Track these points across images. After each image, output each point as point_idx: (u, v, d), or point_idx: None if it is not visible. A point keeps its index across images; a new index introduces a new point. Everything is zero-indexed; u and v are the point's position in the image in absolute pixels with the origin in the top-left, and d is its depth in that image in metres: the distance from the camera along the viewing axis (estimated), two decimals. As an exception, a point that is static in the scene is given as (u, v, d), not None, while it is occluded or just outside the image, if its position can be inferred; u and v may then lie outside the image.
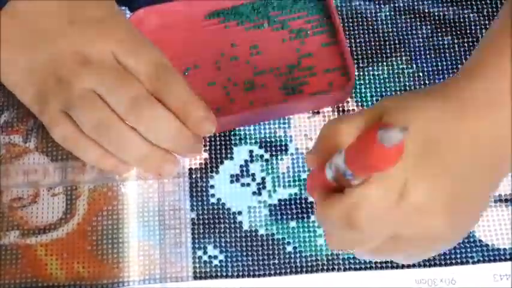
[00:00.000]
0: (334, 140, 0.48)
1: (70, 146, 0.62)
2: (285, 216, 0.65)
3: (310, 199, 0.65)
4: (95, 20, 0.62)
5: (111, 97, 0.60)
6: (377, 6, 0.72)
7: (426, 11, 0.71)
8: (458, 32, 0.70)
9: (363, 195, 0.46)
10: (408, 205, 0.47)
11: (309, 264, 0.64)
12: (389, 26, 0.71)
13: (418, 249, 0.51)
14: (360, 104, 0.68)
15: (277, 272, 0.63)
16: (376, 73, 0.69)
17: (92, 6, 0.63)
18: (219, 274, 0.63)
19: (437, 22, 0.71)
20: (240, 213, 0.65)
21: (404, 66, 0.69)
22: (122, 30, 0.63)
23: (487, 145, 0.49)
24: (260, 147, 0.67)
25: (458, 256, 0.63)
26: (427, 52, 0.70)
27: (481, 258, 0.63)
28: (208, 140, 0.67)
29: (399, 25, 0.71)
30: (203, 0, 0.71)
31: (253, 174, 0.66)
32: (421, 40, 0.70)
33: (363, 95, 0.68)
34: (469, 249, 0.64)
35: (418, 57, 0.70)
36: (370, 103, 0.68)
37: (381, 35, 0.71)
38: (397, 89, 0.68)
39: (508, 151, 0.49)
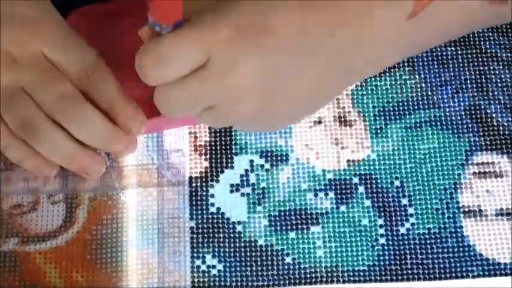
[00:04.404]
0: None
1: None
2: (284, 227, 0.65)
3: (310, 210, 0.65)
4: (26, 18, 0.62)
5: (37, 95, 0.60)
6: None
7: (430, 21, 0.71)
8: (462, 43, 0.70)
9: (152, 43, 0.49)
10: (216, 75, 0.49)
11: (308, 276, 0.63)
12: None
13: (236, 123, 0.54)
14: (361, 114, 0.68)
15: (276, 283, 0.63)
16: (378, 83, 0.69)
17: (23, 4, 0.63)
18: (217, 284, 0.63)
19: (441, 32, 0.71)
20: (239, 223, 0.65)
21: (407, 77, 0.69)
22: (54, 29, 0.63)
23: (326, 47, 0.50)
24: (261, 156, 0.67)
25: (458, 270, 0.63)
26: (430, 63, 0.69)
27: (481, 273, 0.63)
28: (208, 148, 0.67)
29: (403, 35, 0.71)
30: (137, 2, 0.71)
31: (253, 184, 0.66)
32: (424, 50, 0.70)
33: (365, 105, 0.68)
34: (469, 263, 0.63)
35: (421, 67, 0.69)
36: (371, 113, 0.68)
37: (384, 44, 0.70)
38: (399, 99, 0.68)
39: (357, 49, 0.51)
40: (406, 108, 0.68)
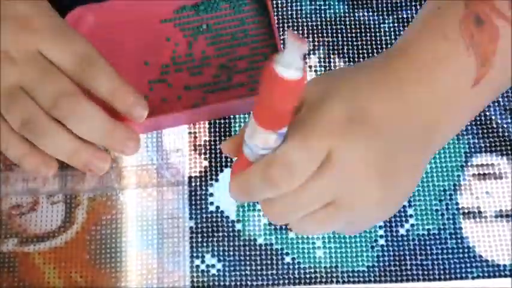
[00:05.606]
0: None
1: None
2: (284, 226, 0.65)
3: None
4: (18, 15, 0.63)
5: (35, 92, 0.61)
6: (380, 17, 0.71)
7: (429, 23, 0.71)
8: (461, 45, 0.70)
9: (278, 152, 0.47)
10: (337, 170, 0.48)
11: (307, 275, 0.63)
12: (393, 37, 0.71)
13: (356, 218, 0.52)
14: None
15: (275, 282, 0.63)
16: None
17: (22, 4, 0.63)
18: (216, 284, 0.63)
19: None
20: (238, 221, 0.65)
21: (407, 78, 0.69)
22: (46, 23, 0.63)
23: (413, 115, 0.50)
24: (260, 156, 0.67)
25: (458, 271, 0.63)
26: (430, 64, 0.69)
27: (481, 274, 0.63)
28: (208, 148, 0.67)
29: (402, 37, 0.71)
30: (141, 0, 0.71)
31: (253, 184, 0.66)
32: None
33: (365, 106, 0.68)
34: (468, 265, 0.63)
35: (420, 69, 0.69)
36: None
37: (384, 46, 0.70)
38: (399, 101, 0.68)
39: (435, 123, 0.51)
40: (405, 110, 0.68)
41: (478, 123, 0.67)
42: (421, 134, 0.51)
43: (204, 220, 0.65)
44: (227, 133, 0.67)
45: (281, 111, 0.44)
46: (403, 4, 0.72)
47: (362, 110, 0.49)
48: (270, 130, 0.46)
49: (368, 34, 0.71)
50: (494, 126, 0.67)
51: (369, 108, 0.49)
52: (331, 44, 0.71)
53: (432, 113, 0.51)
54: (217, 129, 0.68)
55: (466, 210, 0.65)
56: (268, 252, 0.64)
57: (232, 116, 0.68)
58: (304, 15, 0.72)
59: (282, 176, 0.47)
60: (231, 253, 0.64)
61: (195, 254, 0.64)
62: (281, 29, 0.71)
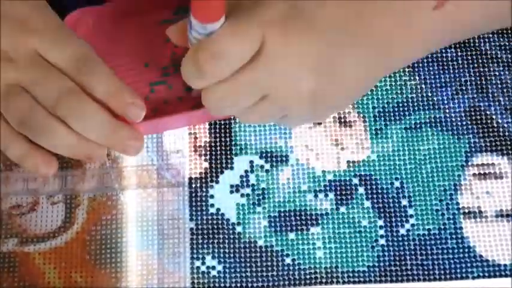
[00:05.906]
0: None
1: None
2: (284, 228, 0.65)
3: (310, 211, 0.65)
4: (17, 16, 0.63)
5: (36, 92, 0.61)
6: (380, 16, 0.71)
7: (430, 22, 0.71)
8: (462, 45, 0.70)
9: (209, 39, 0.49)
10: (270, 62, 0.50)
11: (308, 276, 0.63)
12: (393, 36, 0.70)
13: (290, 112, 0.54)
14: (361, 114, 0.68)
15: (275, 284, 0.63)
16: (378, 84, 0.68)
17: (21, 4, 0.63)
18: (216, 285, 0.63)
19: (441, 33, 0.71)
20: (239, 223, 0.65)
21: (407, 78, 0.69)
22: (45, 24, 0.63)
23: (366, 24, 0.52)
24: (261, 157, 0.67)
25: (458, 271, 0.63)
26: (430, 64, 0.69)
27: (481, 274, 0.63)
28: (208, 149, 0.67)
29: (403, 36, 0.71)
30: (141, 1, 0.71)
31: (253, 185, 0.66)
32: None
33: (365, 106, 0.68)
34: (469, 264, 0.63)
35: (421, 69, 0.69)
36: (371, 114, 0.67)
37: (384, 45, 0.70)
38: (399, 100, 0.68)
39: (389, 36, 0.53)
40: (406, 109, 0.68)
41: (479, 122, 0.67)
42: (372, 44, 0.52)
43: (205, 222, 0.65)
44: (227, 134, 0.67)
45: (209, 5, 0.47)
46: (404, 4, 0.71)
47: (304, 7, 0.50)
48: (204, 22, 0.48)
49: (368, 33, 0.71)
50: (495, 125, 0.67)
51: (313, 7, 0.50)
52: (331, 43, 0.70)
53: (387, 24, 0.51)
54: (217, 130, 0.68)
55: (466, 210, 0.65)
56: (269, 254, 0.64)
57: (232, 117, 0.68)
58: (304, 15, 0.71)
59: (208, 62, 0.50)
60: (232, 255, 0.64)
61: (195, 256, 0.64)
62: (281, 28, 0.71)
